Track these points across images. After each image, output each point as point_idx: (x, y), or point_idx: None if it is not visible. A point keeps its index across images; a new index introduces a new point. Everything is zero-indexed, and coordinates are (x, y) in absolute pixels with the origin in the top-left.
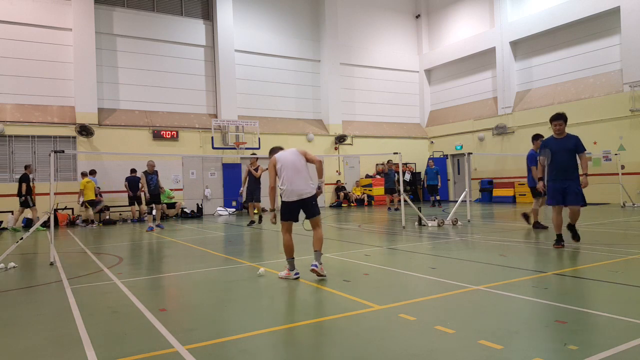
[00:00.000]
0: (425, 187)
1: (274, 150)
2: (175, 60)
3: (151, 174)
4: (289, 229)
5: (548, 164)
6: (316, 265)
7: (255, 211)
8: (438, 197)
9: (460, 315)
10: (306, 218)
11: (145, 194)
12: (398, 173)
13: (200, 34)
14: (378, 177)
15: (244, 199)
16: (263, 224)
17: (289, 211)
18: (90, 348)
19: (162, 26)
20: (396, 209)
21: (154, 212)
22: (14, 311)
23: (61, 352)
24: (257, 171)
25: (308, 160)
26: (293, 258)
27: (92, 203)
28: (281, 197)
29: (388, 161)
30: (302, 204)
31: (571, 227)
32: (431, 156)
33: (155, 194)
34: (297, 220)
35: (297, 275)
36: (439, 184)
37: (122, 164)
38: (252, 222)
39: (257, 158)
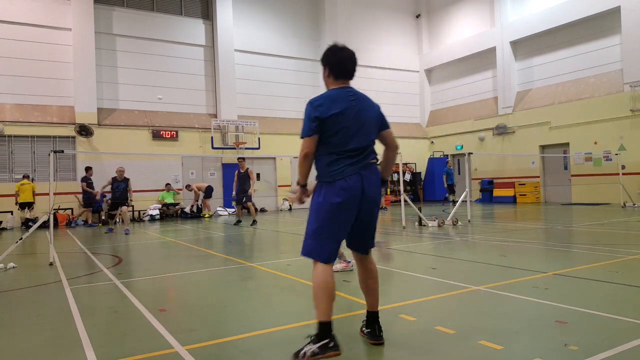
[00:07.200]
0: (446, 187)
1: None
2: (174, 60)
3: (120, 181)
4: None
5: None
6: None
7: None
8: (453, 196)
9: (460, 316)
10: None
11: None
12: (397, 173)
13: (200, 34)
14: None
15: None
16: (248, 224)
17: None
18: (90, 348)
19: (161, 26)
20: (382, 208)
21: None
22: (13, 312)
23: (61, 353)
24: (244, 171)
25: None
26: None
27: (24, 206)
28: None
29: None
30: None
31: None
32: (431, 156)
33: (119, 201)
34: None
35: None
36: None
37: (121, 164)
38: (239, 220)
39: (244, 159)
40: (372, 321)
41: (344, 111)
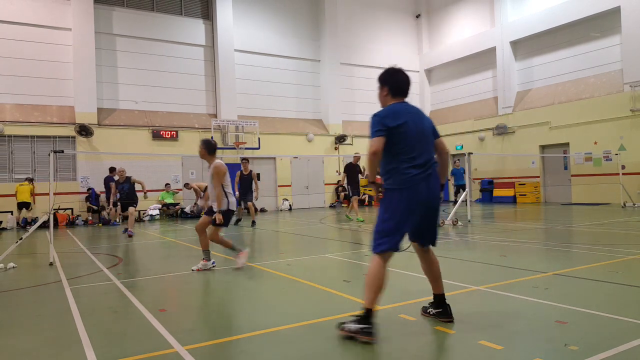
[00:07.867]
0: (454, 186)
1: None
2: (174, 60)
3: (122, 182)
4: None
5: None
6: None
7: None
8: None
9: (460, 315)
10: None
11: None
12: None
13: (200, 34)
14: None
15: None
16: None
17: None
18: (90, 348)
19: (161, 26)
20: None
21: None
22: (13, 312)
23: (61, 353)
24: (247, 173)
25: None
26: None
27: (21, 206)
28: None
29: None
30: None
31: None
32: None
33: (127, 202)
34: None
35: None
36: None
37: (121, 164)
38: (239, 219)
39: (248, 160)
40: (442, 302)
41: (406, 122)
